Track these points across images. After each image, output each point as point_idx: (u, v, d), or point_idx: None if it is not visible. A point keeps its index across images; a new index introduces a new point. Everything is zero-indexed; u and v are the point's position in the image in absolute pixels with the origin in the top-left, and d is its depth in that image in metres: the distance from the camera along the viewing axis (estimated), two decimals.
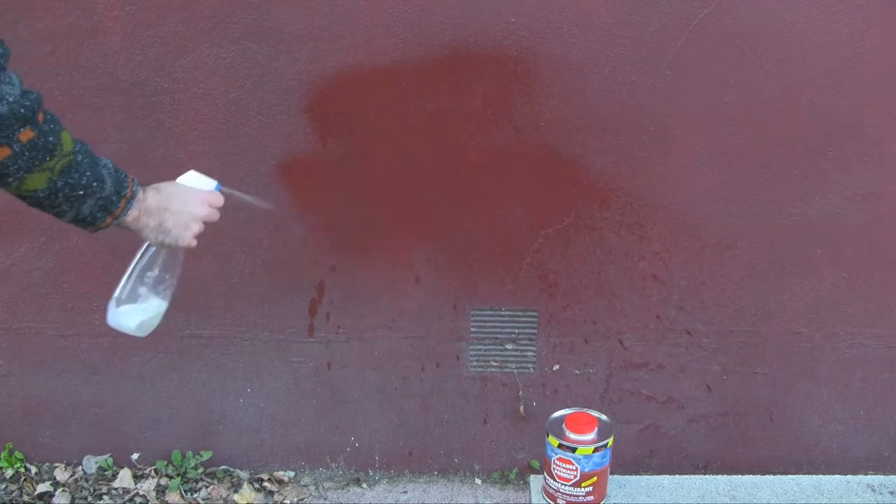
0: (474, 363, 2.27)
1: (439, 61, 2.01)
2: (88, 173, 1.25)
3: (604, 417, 1.64)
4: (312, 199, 2.14)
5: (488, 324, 2.23)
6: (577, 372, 2.27)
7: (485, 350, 2.26)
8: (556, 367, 2.27)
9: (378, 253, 2.17)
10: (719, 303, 2.19)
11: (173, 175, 2.09)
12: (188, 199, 1.43)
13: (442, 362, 2.27)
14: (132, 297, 1.48)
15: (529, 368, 2.26)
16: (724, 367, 2.25)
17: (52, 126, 1.19)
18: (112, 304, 1.47)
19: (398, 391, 2.29)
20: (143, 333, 1.52)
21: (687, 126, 2.05)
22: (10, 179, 1.18)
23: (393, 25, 1.98)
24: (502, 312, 2.22)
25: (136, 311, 1.48)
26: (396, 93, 2.03)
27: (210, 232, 2.12)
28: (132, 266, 1.47)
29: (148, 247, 1.46)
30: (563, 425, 1.61)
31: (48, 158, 1.19)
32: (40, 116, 1.18)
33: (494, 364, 2.27)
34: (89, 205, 1.28)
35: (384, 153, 2.10)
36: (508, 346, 2.25)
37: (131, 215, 1.34)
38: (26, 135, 1.15)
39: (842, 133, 2.05)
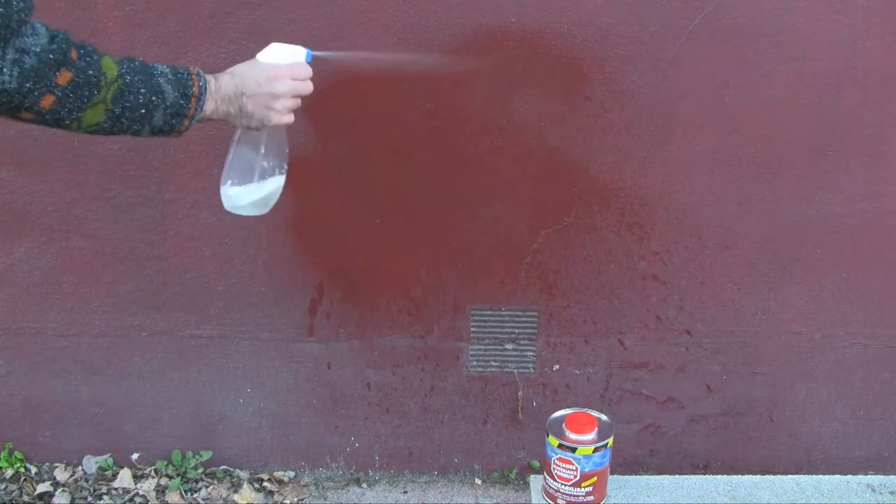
0: (474, 363, 2.27)
1: (440, 61, 2.01)
2: (143, 90, 1.23)
3: (604, 417, 1.64)
4: (312, 199, 2.14)
5: (488, 324, 2.23)
6: (577, 372, 2.27)
7: (485, 350, 2.26)
8: (556, 367, 2.27)
9: (378, 253, 2.17)
10: (719, 303, 2.19)
11: (174, 175, 2.09)
12: (264, 78, 1.38)
13: (442, 362, 2.27)
14: (243, 178, 1.44)
15: (529, 368, 2.26)
16: (724, 367, 2.25)
17: (88, 59, 1.17)
18: (223, 188, 1.43)
19: (398, 391, 2.29)
20: (261, 212, 1.48)
21: (687, 126, 2.05)
22: (68, 122, 1.18)
23: (393, 25, 1.98)
24: (502, 312, 2.22)
25: (249, 191, 1.44)
26: (396, 93, 2.03)
27: (210, 232, 2.14)
28: (233, 146, 1.42)
29: (239, 132, 1.42)
30: (563, 425, 1.61)
31: (96, 92, 1.17)
32: (73, 53, 1.16)
33: (494, 364, 2.27)
34: (159, 117, 1.25)
35: (384, 153, 2.10)
36: (508, 346, 2.25)
37: (208, 108, 1.31)
38: (64, 77, 1.14)
39: (842, 133, 2.05)
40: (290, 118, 1.42)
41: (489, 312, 2.23)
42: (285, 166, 1.50)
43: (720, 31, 1.98)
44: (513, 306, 2.21)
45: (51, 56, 1.12)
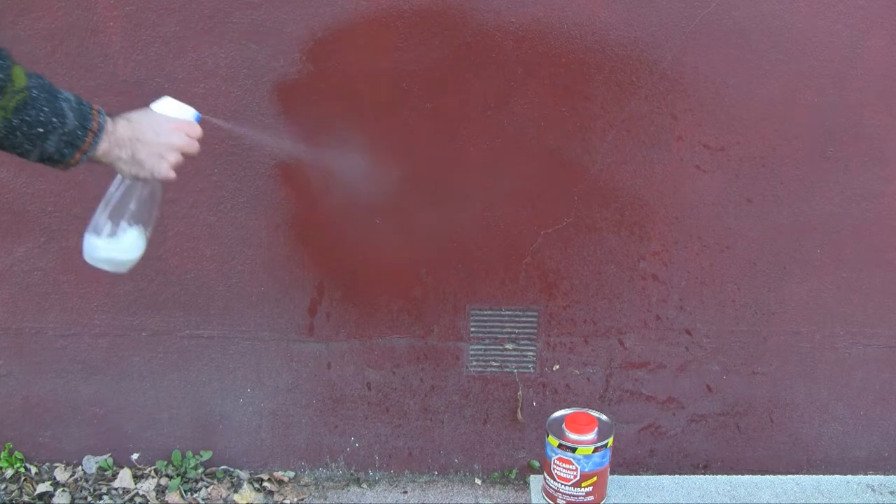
0: (474, 363, 2.27)
1: (439, 61, 2.01)
2: (46, 109, 1.19)
3: (604, 417, 1.64)
4: (312, 199, 2.14)
5: (488, 324, 2.23)
6: (577, 372, 2.27)
7: (485, 350, 2.26)
8: (556, 367, 2.27)
9: (378, 253, 2.17)
10: (719, 303, 2.19)
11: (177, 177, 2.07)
12: (162, 128, 1.36)
13: (442, 362, 2.27)
14: (109, 231, 1.40)
15: (529, 368, 2.26)
16: (724, 367, 2.25)
17: (1, 62, 1.14)
18: (87, 237, 1.39)
19: (398, 391, 2.29)
20: (120, 270, 1.44)
21: (687, 126, 2.05)
22: None
23: (393, 25, 1.98)
24: (502, 312, 2.22)
25: (112, 247, 1.40)
26: (396, 93, 2.03)
27: (210, 232, 2.14)
28: (107, 197, 1.39)
29: (123, 180, 1.38)
30: (563, 425, 1.61)
31: (0, 97, 1.13)
32: None
33: (494, 364, 2.27)
34: (53, 141, 1.21)
35: (384, 153, 2.10)
36: (508, 346, 2.25)
37: (101, 148, 1.27)
38: None
39: (842, 133, 2.05)
40: (173, 175, 1.39)
41: (489, 312, 2.23)
42: (150, 229, 1.45)
43: (720, 31, 1.98)
44: (513, 306, 2.21)
45: None
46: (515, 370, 2.27)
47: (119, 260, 1.44)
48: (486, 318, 2.23)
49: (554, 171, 2.09)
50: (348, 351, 2.26)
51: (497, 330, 2.24)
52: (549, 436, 1.59)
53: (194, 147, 1.41)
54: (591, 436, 1.59)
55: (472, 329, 2.24)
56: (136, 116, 1.35)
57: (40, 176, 2.10)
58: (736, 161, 2.08)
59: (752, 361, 2.24)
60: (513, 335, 2.24)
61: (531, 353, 2.25)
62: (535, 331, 2.23)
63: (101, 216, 1.40)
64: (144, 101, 2.02)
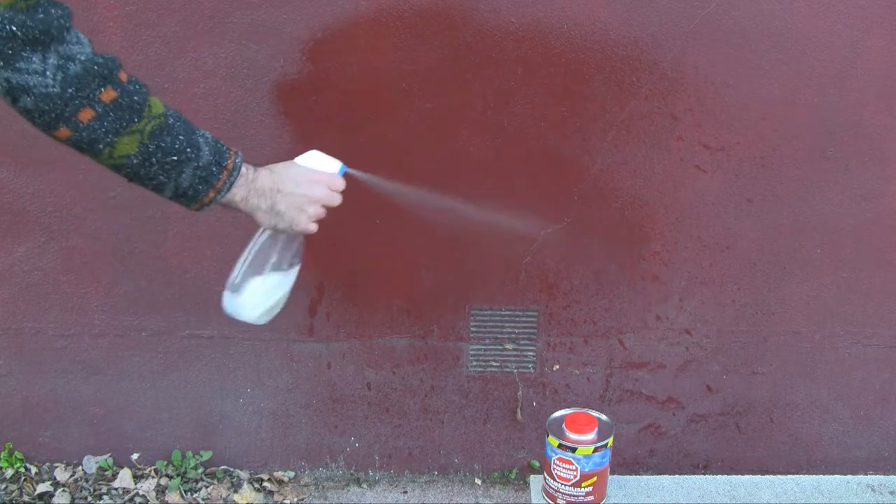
0: (474, 363, 2.27)
1: (439, 61, 2.01)
2: (182, 137, 1.20)
3: (604, 417, 1.64)
4: None
5: (488, 324, 2.23)
6: (577, 372, 2.27)
7: (485, 350, 2.26)
8: (556, 367, 2.27)
9: (378, 253, 2.17)
10: (719, 303, 2.19)
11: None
12: (302, 180, 1.36)
13: (442, 362, 2.27)
14: (250, 283, 1.40)
15: (529, 368, 2.26)
16: (724, 367, 2.25)
17: (136, 87, 1.16)
18: (228, 293, 1.39)
19: (398, 391, 2.29)
20: (264, 321, 1.45)
21: (687, 126, 2.05)
22: (101, 146, 1.15)
23: (393, 25, 1.98)
24: (502, 312, 2.22)
25: (256, 300, 1.41)
26: (396, 93, 2.03)
27: (210, 232, 2.14)
28: (248, 251, 1.39)
29: (263, 231, 1.38)
30: (563, 425, 1.61)
31: (136, 119, 1.15)
32: (122, 76, 1.14)
33: (494, 364, 2.27)
34: (188, 174, 1.21)
35: (384, 153, 2.10)
36: (508, 346, 2.25)
37: (239, 194, 1.28)
38: (108, 94, 1.12)
39: (842, 133, 2.06)
40: (315, 227, 1.40)
41: (489, 312, 2.23)
42: (294, 279, 1.45)
43: (720, 31, 1.98)
44: (513, 306, 2.21)
45: (95, 67, 1.11)
46: (515, 370, 2.27)
47: (265, 312, 1.45)
48: (486, 318, 2.23)
49: (554, 171, 2.09)
50: (348, 351, 2.26)
51: (497, 330, 2.24)
52: (549, 436, 1.59)
53: (336, 200, 1.41)
54: (591, 436, 1.59)
55: (472, 329, 2.24)
56: (279, 168, 1.36)
57: (40, 176, 2.10)
58: (736, 161, 2.08)
59: (752, 361, 2.24)
60: (513, 335, 2.24)
61: (531, 353, 2.25)
62: (535, 331, 2.23)
63: (242, 269, 1.39)
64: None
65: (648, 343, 2.23)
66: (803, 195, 2.10)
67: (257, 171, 1.32)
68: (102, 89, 1.12)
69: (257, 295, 1.42)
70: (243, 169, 1.29)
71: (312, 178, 1.38)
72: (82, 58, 1.10)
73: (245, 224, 2.13)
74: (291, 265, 1.44)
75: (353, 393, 2.29)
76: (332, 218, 2.15)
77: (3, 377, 2.27)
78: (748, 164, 2.08)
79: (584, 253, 2.16)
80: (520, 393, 2.28)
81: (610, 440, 1.59)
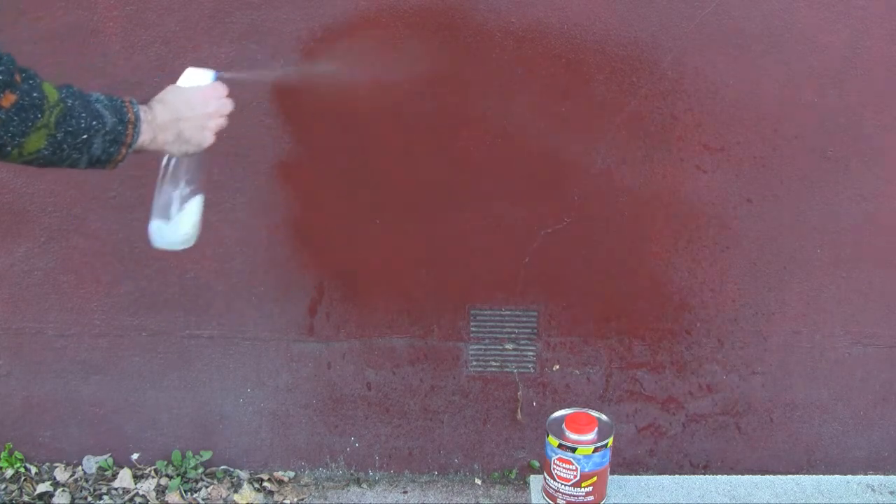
0: (474, 363, 2.27)
1: (439, 61, 2.01)
2: (84, 114, 1.20)
3: (604, 417, 1.64)
4: (312, 199, 2.14)
5: (488, 324, 2.23)
6: (577, 372, 2.27)
7: (485, 350, 2.26)
8: (556, 367, 2.27)
9: (378, 253, 2.17)
10: (719, 303, 2.19)
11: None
12: (195, 101, 1.40)
13: (442, 362, 2.27)
14: (168, 213, 1.46)
15: (529, 368, 2.26)
16: (724, 367, 2.25)
17: (31, 82, 1.15)
18: (154, 226, 1.45)
19: (398, 391, 2.29)
20: (190, 244, 1.51)
21: (687, 126, 2.05)
22: (9, 148, 1.14)
23: (393, 25, 1.98)
24: (502, 312, 2.22)
25: (180, 224, 1.47)
26: (396, 92, 2.03)
27: (210, 232, 2.13)
28: (160, 183, 1.44)
29: (168, 159, 1.43)
30: (563, 425, 1.61)
31: (39, 116, 1.14)
32: (17, 76, 1.13)
33: (494, 364, 2.27)
34: (98, 143, 1.23)
35: (384, 153, 2.10)
36: (508, 346, 2.25)
37: (146, 137, 1.30)
38: (8, 99, 1.11)
39: (842, 133, 2.05)
40: (213, 139, 1.44)
41: (489, 312, 2.23)
42: (202, 187, 1.51)
43: (720, 31, 1.98)
44: (513, 306, 2.21)
45: None
46: (515, 370, 2.27)
47: (190, 234, 1.50)
48: (486, 318, 2.23)
49: (554, 171, 2.09)
50: (348, 351, 2.26)
51: (497, 330, 2.24)
52: (549, 436, 1.59)
53: (228, 106, 1.46)
54: (591, 436, 1.59)
55: (472, 329, 2.24)
56: (168, 97, 1.38)
57: (40, 176, 2.10)
58: (736, 161, 2.08)
59: (752, 361, 2.24)
60: (513, 335, 2.24)
61: (531, 353, 2.25)
62: (535, 331, 2.23)
63: (159, 201, 1.45)
64: (144, 101, 2.03)
65: (648, 343, 2.23)
66: (803, 195, 2.10)
67: (153, 109, 1.33)
68: (2, 95, 1.11)
69: (185, 218, 1.48)
70: (142, 114, 1.30)
71: (202, 96, 1.42)
72: None
73: (245, 224, 2.14)
74: (197, 183, 1.50)
75: (353, 393, 2.29)
76: (332, 218, 2.16)
77: (3, 377, 2.27)
78: (748, 164, 2.08)
79: (584, 253, 2.16)
80: (520, 393, 2.28)
81: (610, 440, 1.59)
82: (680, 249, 2.15)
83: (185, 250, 2.13)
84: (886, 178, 2.09)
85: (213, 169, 2.09)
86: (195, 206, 1.50)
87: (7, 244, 2.16)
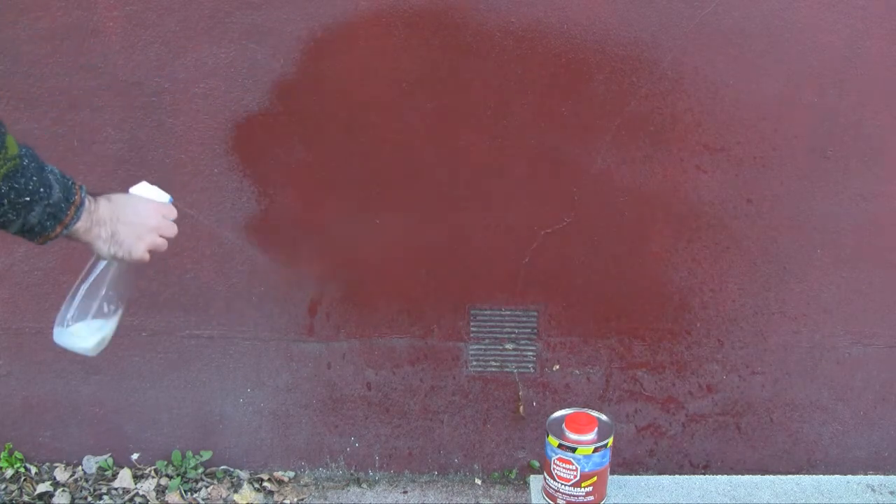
0: (474, 363, 2.27)
1: (439, 61, 2.01)
2: (35, 178, 1.19)
3: (604, 417, 1.64)
4: (312, 199, 2.14)
5: (488, 324, 2.23)
6: (577, 372, 2.27)
7: (485, 350, 2.26)
8: (556, 367, 2.27)
9: (378, 253, 2.17)
10: (719, 302, 2.19)
11: (174, 175, 2.09)
12: (141, 209, 1.38)
13: (442, 362, 2.27)
14: (82, 316, 1.40)
15: (529, 368, 2.26)
16: (724, 367, 2.25)
17: None
18: (61, 324, 1.39)
19: (398, 391, 2.29)
20: (96, 353, 1.45)
21: (687, 126, 2.05)
22: None
23: (393, 25, 1.98)
24: (502, 312, 2.22)
25: (90, 330, 1.41)
26: (396, 93, 2.04)
27: (210, 232, 2.14)
28: (81, 281, 1.39)
29: (96, 261, 1.38)
30: (563, 425, 1.61)
31: None
32: None
33: (494, 364, 2.27)
34: (37, 213, 1.20)
35: (384, 153, 2.10)
36: (508, 346, 2.25)
37: (82, 225, 1.28)
38: None
39: (842, 133, 2.05)
40: (147, 257, 1.40)
41: (489, 312, 2.23)
42: (123, 306, 1.46)
43: (720, 31, 1.98)
44: (513, 306, 2.21)
45: None
46: (515, 370, 2.27)
47: (99, 343, 1.44)
48: (486, 318, 2.23)
49: (554, 171, 2.10)
50: (348, 351, 2.26)
51: (497, 330, 2.24)
52: (549, 436, 1.59)
53: (171, 229, 1.41)
54: (591, 436, 1.59)
55: (472, 329, 2.24)
56: (116, 197, 1.37)
57: None
58: (736, 161, 2.08)
59: (752, 361, 2.24)
60: (513, 335, 2.24)
61: (531, 353, 2.25)
62: (535, 331, 2.23)
63: (74, 300, 1.39)
64: (144, 101, 2.04)
65: (648, 343, 2.23)
66: (803, 195, 2.10)
67: (97, 202, 1.32)
68: None
69: (87, 332, 1.42)
70: (86, 202, 1.29)
71: (149, 208, 1.39)
72: None
73: (245, 224, 2.14)
74: (118, 305, 1.44)
75: (353, 393, 2.29)
76: (332, 218, 2.16)
77: (3, 377, 2.27)
78: (748, 164, 2.08)
79: (583, 253, 2.16)
80: (521, 392, 2.28)
81: (610, 440, 1.59)
82: (680, 249, 2.15)
83: (185, 252, 2.15)
84: (886, 178, 2.09)
85: (213, 169, 2.09)
86: (109, 323, 1.43)
87: (7, 244, 2.16)
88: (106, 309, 1.43)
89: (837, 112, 2.03)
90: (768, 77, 2.01)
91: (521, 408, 2.29)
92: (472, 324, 2.23)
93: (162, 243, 1.40)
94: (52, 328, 2.31)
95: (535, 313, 2.22)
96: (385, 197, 2.13)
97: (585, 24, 1.98)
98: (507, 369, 2.27)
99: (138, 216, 1.37)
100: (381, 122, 2.07)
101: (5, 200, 1.17)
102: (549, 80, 2.02)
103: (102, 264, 1.39)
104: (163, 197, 1.44)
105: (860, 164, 2.08)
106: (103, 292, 1.41)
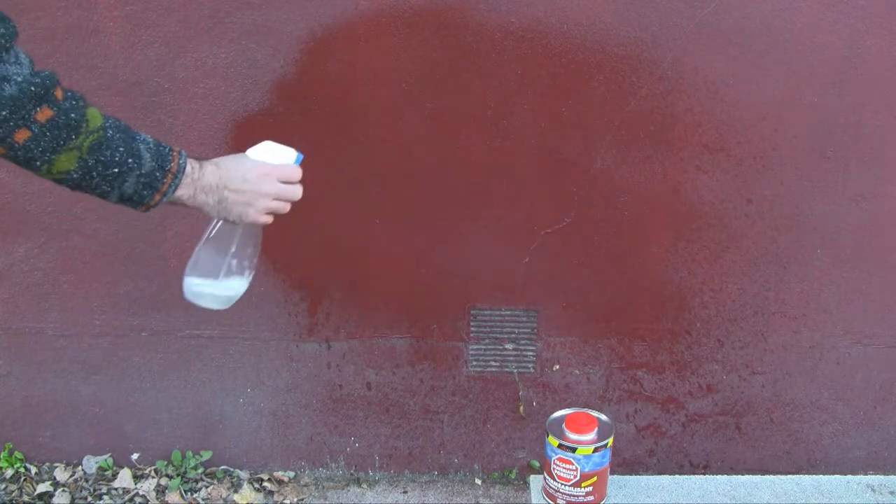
0: (474, 363, 2.27)
1: (439, 61, 2.01)
2: (122, 149, 1.19)
3: (604, 417, 1.64)
4: (312, 199, 2.14)
5: (488, 324, 2.23)
6: (577, 372, 2.27)
7: (485, 350, 2.26)
8: (556, 367, 2.27)
9: (378, 253, 2.17)
10: (719, 302, 2.19)
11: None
12: (251, 175, 1.33)
13: (442, 362, 2.27)
14: (210, 271, 1.38)
15: (529, 368, 2.26)
16: (724, 367, 2.25)
17: (73, 103, 1.15)
18: (188, 279, 1.38)
19: (398, 391, 2.29)
20: (221, 307, 1.43)
21: (687, 126, 2.05)
22: (39, 163, 1.15)
23: (393, 25, 1.98)
24: (502, 312, 2.22)
25: (212, 286, 1.39)
26: (396, 93, 2.04)
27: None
28: (205, 237, 1.38)
29: (218, 220, 1.36)
30: (563, 425, 1.61)
31: (73, 137, 1.14)
32: (58, 93, 1.13)
33: (494, 364, 2.27)
34: (131, 182, 1.21)
35: (384, 153, 2.10)
36: (508, 346, 2.25)
37: (185, 194, 1.27)
38: (44, 114, 1.11)
39: (842, 133, 2.05)
40: (268, 219, 1.38)
41: (489, 312, 2.23)
42: (254, 265, 1.45)
43: (720, 31, 1.98)
44: (513, 306, 2.21)
45: (32, 88, 1.10)
46: (515, 370, 2.27)
47: (225, 299, 1.43)
48: (486, 318, 2.23)
49: (554, 171, 2.09)
50: (348, 351, 2.26)
51: (497, 330, 2.24)
52: (549, 436, 1.59)
53: (293, 192, 1.38)
54: (591, 436, 1.59)
55: (472, 329, 2.24)
56: (227, 162, 1.33)
57: None
58: (736, 161, 2.08)
59: (752, 361, 2.24)
60: (513, 335, 2.24)
61: (531, 353, 2.25)
62: (535, 331, 2.23)
63: (200, 257, 1.39)
64: (144, 101, 2.04)
65: (648, 343, 2.23)
66: (803, 195, 2.10)
67: (203, 168, 1.30)
68: (38, 109, 1.11)
69: (218, 285, 1.41)
70: (188, 168, 1.27)
71: (261, 173, 1.34)
72: (19, 79, 1.09)
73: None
74: (249, 259, 1.43)
75: (353, 393, 2.29)
76: (332, 218, 2.16)
77: (3, 377, 2.27)
78: (748, 164, 2.08)
79: (584, 253, 2.16)
80: (521, 392, 2.28)
81: (610, 440, 1.59)
82: (680, 249, 2.15)
83: (185, 252, 2.15)
84: (886, 178, 2.09)
85: None
86: (233, 280, 1.41)
87: (7, 244, 2.16)
88: (235, 267, 1.41)
89: (837, 112, 2.03)
90: (768, 77, 2.01)
91: (522, 408, 2.29)
92: (472, 324, 2.23)
93: (279, 207, 1.37)
94: (51, 328, 2.33)
95: (535, 313, 2.22)
96: (385, 196, 2.13)
97: (585, 24, 1.98)
98: (507, 369, 2.27)
99: (247, 182, 1.33)
100: (381, 122, 2.07)
101: (94, 173, 1.19)
102: (549, 80, 2.02)
103: (220, 224, 1.37)
104: (288, 157, 1.37)
105: (860, 164, 2.07)
106: (233, 250, 1.39)
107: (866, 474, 2.00)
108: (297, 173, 1.38)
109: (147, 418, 2.31)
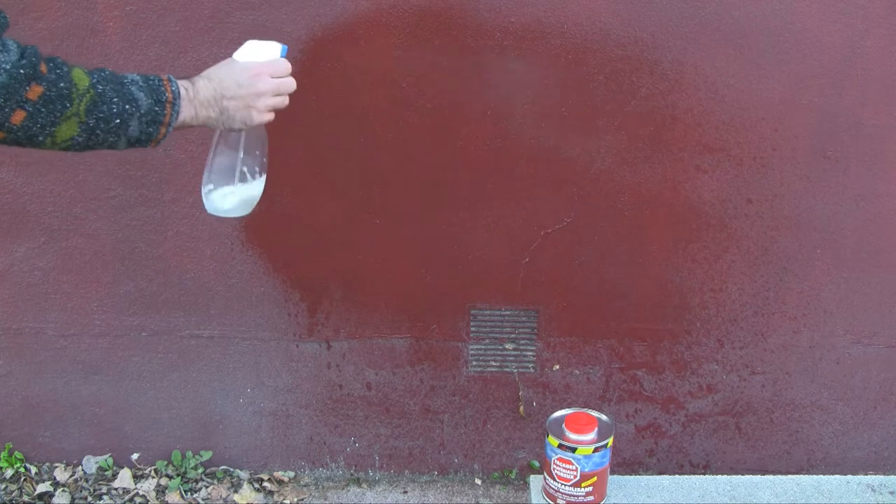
0: (474, 363, 2.27)
1: (439, 61, 2.01)
2: (116, 99, 1.20)
3: (604, 417, 1.64)
4: (312, 199, 2.14)
5: (488, 324, 2.23)
6: (577, 372, 2.27)
7: (485, 350, 2.26)
8: (556, 367, 2.27)
9: (378, 253, 2.17)
10: (719, 302, 2.19)
11: (174, 175, 2.09)
12: (244, 78, 1.33)
13: (442, 362, 2.27)
14: (225, 180, 1.40)
15: (529, 368, 2.26)
16: (724, 367, 2.25)
17: (59, 72, 1.15)
18: (204, 192, 1.41)
19: (398, 391, 2.29)
20: (244, 212, 1.45)
21: (687, 126, 2.05)
22: (41, 138, 1.15)
23: (393, 25, 1.98)
24: (502, 312, 2.22)
25: (231, 193, 1.41)
26: (396, 93, 2.03)
27: (210, 232, 2.14)
28: (212, 151, 1.40)
29: (220, 132, 1.38)
30: (563, 425, 1.61)
31: (68, 105, 1.15)
32: (42, 67, 1.13)
33: (494, 364, 2.27)
34: (134, 126, 1.22)
35: (384, 153, 2.10)
36: (508, 346, 2.25)
37: (186, 115, 1.28)
38: (35, 91, 1.11)
39: (842, 133, 2.05)
40: (270, 116, 1.39)
41: (489, 312, 2.23)
42: (265, 165, 1.47)
43: (720, 31, 1.98)
44: (513, 306, 2.21)
45: (21, 72, 1.10)
46: (515, 370, 2.27)
47: (245, 203, 1.44)
48: (486, 318, 2.23)
49: (554, 171, 2.09)
50: (348, 351, 2.26)
51: (497, 330, 2.24)
52: (549, 436, 1.59)
53: (288, 84, 1.38)
54: (591, 436, 1.59)
55: (472, 329, 2.24)
56: (217, 72, 1.34)
57: (40, 176, 2.10)
58: (736, 161, 2.08)
59: (752, 361, 2.24)
60: (513, 335, 2.24)
61: (531, 353, 2.25)
62: (535, 331, 2.23)
63: (213, 169, 1.41)
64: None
65: (648, 343, 2.23)
66: (803, 195, 2.10)
67: (196, 85, 1.31)
68: (28, 88, 1.11)
69: (234, 190, 1.43)
70: (182, 91, 1.28)
71: (253, 73, 1.35)
72: (7, 66, 1.09)
73: (245, 224, 2.14)
74: (261, 161, 1.45)
75: (353, 393, 2.29)
76: (332, 218, 2.16)
77: (3, 377, 2.27)
78: (748, 164, 2.08)
79: (584, 253, 2.16)
80: (521, 392, 2.28)
81: (610, 440, 1.59)
82: (680, 249, 2.15)
83: (185, 252, 2.15)
84: (886, 178, 2.09)
85: None
86: (249, 183, 1.43)
87: (7, 244, 2.16)
88: (248, 171, 1.42)
89: (837, 112, 2.03)
90: (768, 77, 2.01)
91: (522, 408, 2.29)
92: (472, 324, 2.23)
93: (279, 102, 1.38)
94: (51, 328, 2.33)
95: (535, 313, 2.22)
96: (385, 196, 2.13)
97: (585, 24, 1.98)
98: (507, 369, 2.27)
99: (242, 87, 1.33)
100: (380, 122, 2.07)
101: (98, 130, 1.19)
102: (549, 80, 2.02)
103: (223, 134, 1.38)
104: (275, 52, 1.38)
105: (860, 164, 2.08)
106: (241, 155, 1.41)
107: (866, 474, 2.00)
108: (287, 66, 1.39)
109: (147, 418, 2.31)
